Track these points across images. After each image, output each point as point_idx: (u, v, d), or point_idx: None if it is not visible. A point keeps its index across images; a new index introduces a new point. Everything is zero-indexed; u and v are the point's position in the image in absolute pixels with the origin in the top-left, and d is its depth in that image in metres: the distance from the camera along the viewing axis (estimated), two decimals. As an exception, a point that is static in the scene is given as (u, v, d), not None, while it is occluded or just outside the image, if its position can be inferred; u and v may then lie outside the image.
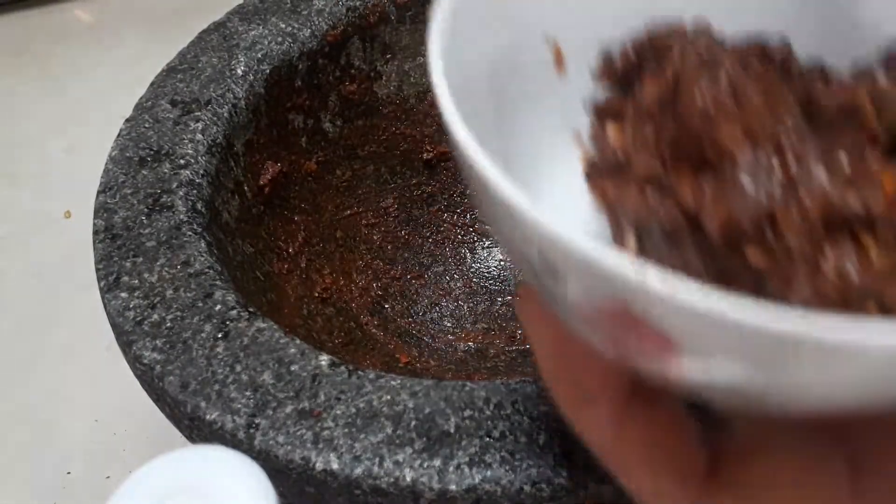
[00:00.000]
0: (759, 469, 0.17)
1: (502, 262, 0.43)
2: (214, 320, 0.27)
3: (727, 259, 0.15)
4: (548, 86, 0.21)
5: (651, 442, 0.17)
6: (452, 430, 0.23)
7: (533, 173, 0.21)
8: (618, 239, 0.16)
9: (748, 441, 0.17)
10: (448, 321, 0.41)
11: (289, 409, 0.24)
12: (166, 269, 0.28)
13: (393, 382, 0.25)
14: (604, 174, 0.17)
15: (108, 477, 0.41)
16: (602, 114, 0.18)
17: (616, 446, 0.17)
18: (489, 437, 0.23)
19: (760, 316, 0.11)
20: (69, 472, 0.41)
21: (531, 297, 0.17)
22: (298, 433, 0.23)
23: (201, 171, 0.32)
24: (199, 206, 0.31)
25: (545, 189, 0.21)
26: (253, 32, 0.37)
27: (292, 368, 0.25)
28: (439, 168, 0.44)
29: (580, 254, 0.12)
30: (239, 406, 0.24)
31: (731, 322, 0.12)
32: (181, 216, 0.30)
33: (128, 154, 0.32)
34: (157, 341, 0.26)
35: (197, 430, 0.25)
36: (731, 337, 0.12)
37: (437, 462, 0.22)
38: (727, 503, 0.16)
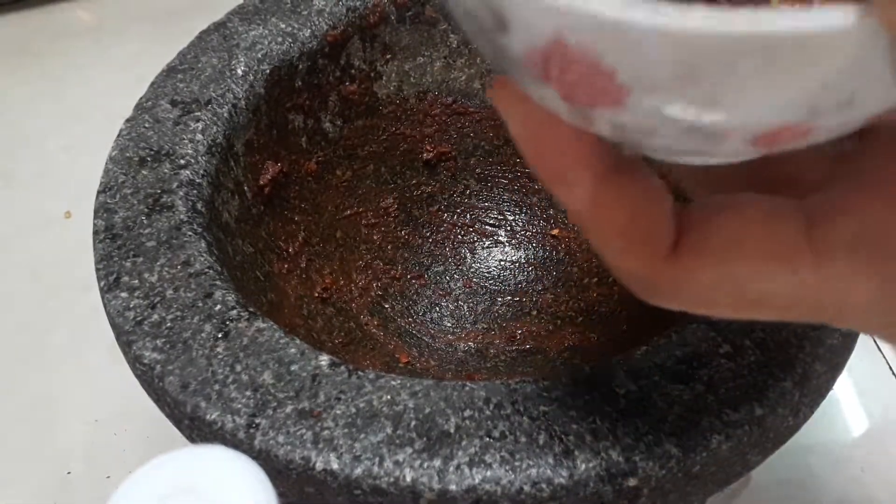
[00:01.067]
0: (722, 228, 0.17)
1: (502, 262, 0.43)
2: (214, 320, 0.27)
3: None
4: None
5: (624, 215, 0.17)
6: (452, 430, 0.23)
7: None
8: None
9: (711, 206, 0.18)
10: (448, 321, 0.41)
11: (289, 409, 0.24)
12: (166, 269, 0.28)
13: (393, 382, 0.25)
14: None
15: (108, 477, 0.41)
16: None
17: (593, 220, 0.18)
18: (489, 437, 0.23)
19: (682, 18, 0.12)
20: (69, 472, 0.41)
21: (503, 81, 0.18)
22: (298, 433, 0.23)
23: (201, 172, 0.32)
24: (199, 206, 0.31)
25: None
26: (253, 32, 0.37)
27: (292, 368, 0.25)
28: (439, 168, 0.44)
29: None
30: (239, 406, 0.24)
31: (649, 28, 0.12)
32: (181, 216, 0.30)
33: (128, 154, 0.32)
34: (157, 341, 0.26)
35: (197, 430, 0.25)
36: (655, 46, 0.12)
37: (437, 462, 0.22)
38: (694, 264, 0.17)
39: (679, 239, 0.17)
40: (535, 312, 0.41)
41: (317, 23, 0.38)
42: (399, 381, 0.25)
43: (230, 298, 0.27)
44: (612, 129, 0.15)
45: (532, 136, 0.17)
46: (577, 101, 0.15)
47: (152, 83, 0.35)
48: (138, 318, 0.27)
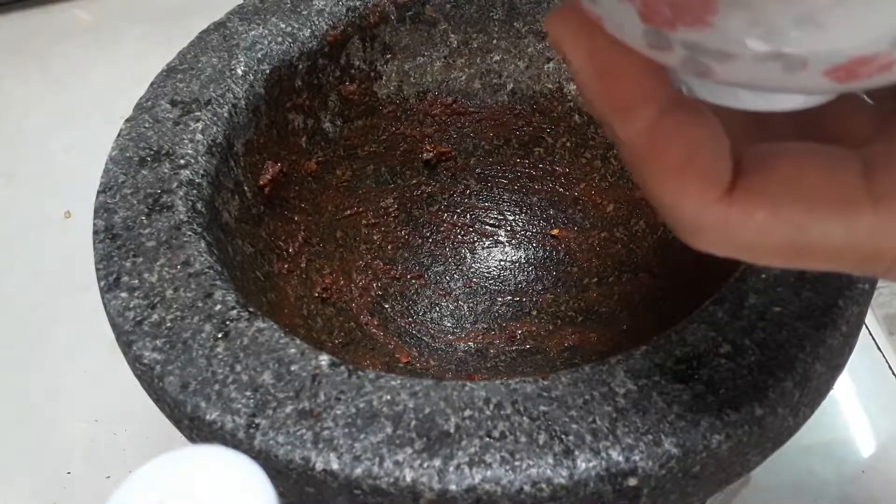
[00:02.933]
0: (779, 171, 0.17)
1: (502, 262, 0.43)
2: (214, 320, 0.27)
3: None
4: None
5: (681, 149, 0.17)
6: (452, 430, 0.23)
7: None
8: None
9: (768, 150, 0.17)
10: (448, 321, 0.41)
11: (289, 409, 0.24)
12: (166, 269, 0.28)
13: (393, 382, 0.25)
14: None
15: (108, 477, 0.41)
16: None
17: (647, 152, 0.17)
18: (489, 437, 0.23)
19: None
20: (69, 472, 0.41)
21: (565, 12, 0.17)
22: (298, 433, 0.23)
23: (201, 171, 0.32)
24: (199, 206, 0.31)
25: None
26: (253, 32, 0.37)
27: (292, 368, 0.25)
28: (439, 168, 0.44)
29: None
30: (239, 406, 0.24)
31: None
32: (181, 216, 0.30)
33: (128, 154, 0.32)
34: (157, 341, 0.26)
35: (197, 430, 0.25)
36: None
37: (437, 462, 0.22)
38: (749, 205, 0.17)
39: (734, 181, 0.17)
40: (535, 312, 0.41)
41: (317, 23, 0.38)
42: (399, 381, 0.25)
43: (230, 298, 0.27)
44: (687, 53, 0.15)
45: (595, 64, 0.17)
46: (657, 19, 0.14)
47: (152, 83, 0.35)
48: (138, 318, 0.27)
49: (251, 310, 0.27)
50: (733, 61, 0.15)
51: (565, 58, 0.18)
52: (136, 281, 0.28)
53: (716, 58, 0.15)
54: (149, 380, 0.26)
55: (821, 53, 0.14)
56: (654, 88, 0.17)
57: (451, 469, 0.22)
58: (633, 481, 0.22)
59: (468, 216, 0.44)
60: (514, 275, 0.43)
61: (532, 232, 0.43)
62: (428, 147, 0.43)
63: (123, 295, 0.27)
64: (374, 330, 0.39)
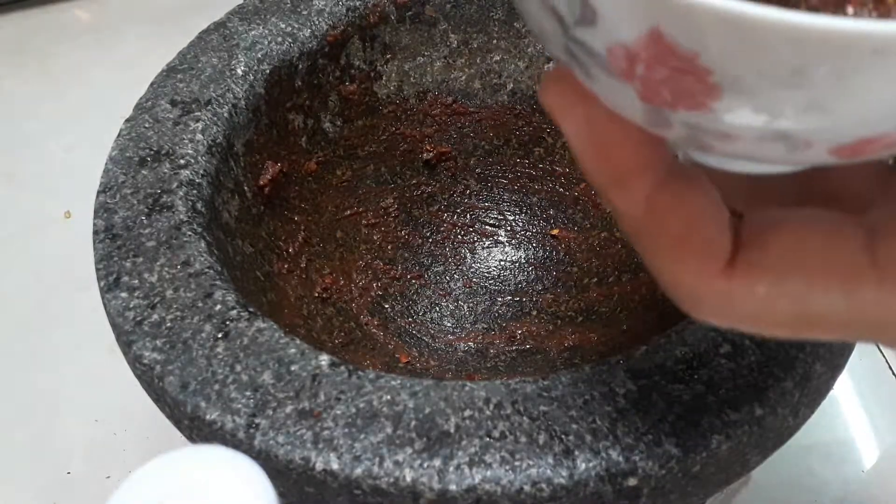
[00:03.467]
0: (780, 242, 0.17)
1: (502, 262, 0.43)
2: (214, 320, 0.27)
3: None
4: None
5: (680, 222, 0.17)
6: (452, 430, 0.23)
7: None
8: None
9: (767, 220, 0.17)
10: (448, 321, 0.41)
11: (289, 409, 0.24)
12: (166, 269, 0.28)
13: (393, 382, 0.25)
14: None
15: (108, 477, 0.41)
16: None
17: (646, 225, 0.17)
18: (489, 437, 0.23)
19: (800, 17, 0.12)
20: (69, 472, 0.41)
21: (560, 80, 0.17)
22: (298, 433, 0.23)
23: (201, 171, 0.32)
24: (199, 206, 0.31)
25: None
26: (253, 32, 0.37)
27: (292, 368, 0.25)
28: (439, 168, 0.44)
29: None
30: (239, 406, 0.24)
31: (772, 24, 0.12)
32: (181, 216, 0.30)
33: (128, 154, 0.32)
34: (157, 341, 0.26)
35: (197, 430, 0.25)
36: (769, 46, 0.12)
37: (437, 462, 0.22)
38: (750, 278, 0.17)
39: (734, 253, 0.17)
40: (535, 312, 0.41)
41: (317, 23, 0.38)
42: (399, 381, 0.25)
43: (230, 298, 0.27)
44: (686, 132, 0.15)
45: (591, 134, 0.17)
46: (657, 100, 0.14)
47: (152, 83, 0.35)
48: (138, 318, 0.27)
49: (251, 310, 0.27)
50: (735, 141, 0.15)
51: (561, 127, 0.17)
52: (136, 281, 0.28)
53: (717, 137, 0.15)
54: (149, 380, 0.26)
55: (826, 135, 0.14)
56: (652, 158, 0.17)
57: (451, 469, 0.22)
58: (633, 481, 0.22)
59: (468, 216, 0.44)
60: (514, 275, 0.43)
61: (532, 232, 0.43)
62: (428, 147, 0.43)
63: (123, 295, 0.27)
64: (375, 330, 0.39)
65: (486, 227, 0.44)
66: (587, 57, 0.15)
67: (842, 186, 0.19)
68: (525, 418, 0.23)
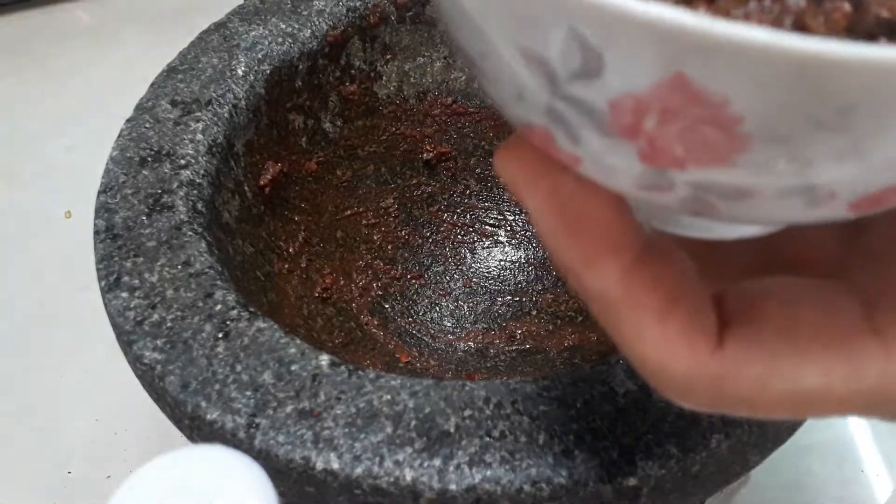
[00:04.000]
0: (771, 317, 0.15)
1: (502, 262, 0.43)
2: (215, 320, 0.27)
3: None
4: None
5: (663, 301, 0.15)
6: (452, 430, 0.23)
7: None
8: None
9: (753, 292, 0.16)
10: (448, 321, 0.41)
11: (289, 408, 0.24)
12: (167, 269, 0.28)
13: (393, 382, 0.25)
14: None
15: (109, 477, 0.41)
16: None
17: (624, 307, 0.15)
18: (489, 436, 0.23)
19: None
20: (69, 472, 0.41)
21: (519, 149, 0.15)
22: (299, 433, 0.23)
23: (202, 172, 0.32)
24: (199, 206, 0.31)
25: None
26: (253, 33, 0.37)
27: (292, 368, 0.25)
28: (439, 168, 0.44)
29: (634, 16, 0.11)
30: (239, 406, 0.24)
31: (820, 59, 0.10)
32: (182, 216, 0.30)
33: (128, 154, 0.32)
34: (158, 341, 0.26)
35: (197, 429, 0.25)
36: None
37: (437, 462, 0.22)
38: (741, 358, 0.15)
39: (723, 330, 0.15)
40: (535, 312, 0.41)
41: (317, 23, 0.38)
42: (399, 381, 0.25)
43: (230, 298, 0.27)
44: (689, 193, 0.13)
45: (559, 211, 0.15)
46: (663, 160, 0.13)
47: (153, 83, 0.35)
48: (139, 318, 0.27)
49: (251, 310, 0.27)
50: (750, 199, 0.13)
51: (523, 203, 0.16)
52: (137, 281, 0.28)
53: (729, 196, 0.13)
54: (149, 379, 0.26)
55: (854, 184, 0.13)
56: (626, 233, 0.15)
57: (451, 469, 0.22)
58: (632, 481, 0.22)
59: (468, 216, 0.44)
60: (514, 275, 0.43)
61: (532, 232, 0.43)
62: (428, 147, 0.43)
63: (124, 295, 0.27)
64: (375, 330, 0.39)
65: (486, 227, 0.44)
66: (578, 116, 0.13)
67: (806, 249, 0.18)
68: (525, 418, 0.23)
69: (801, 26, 0.12)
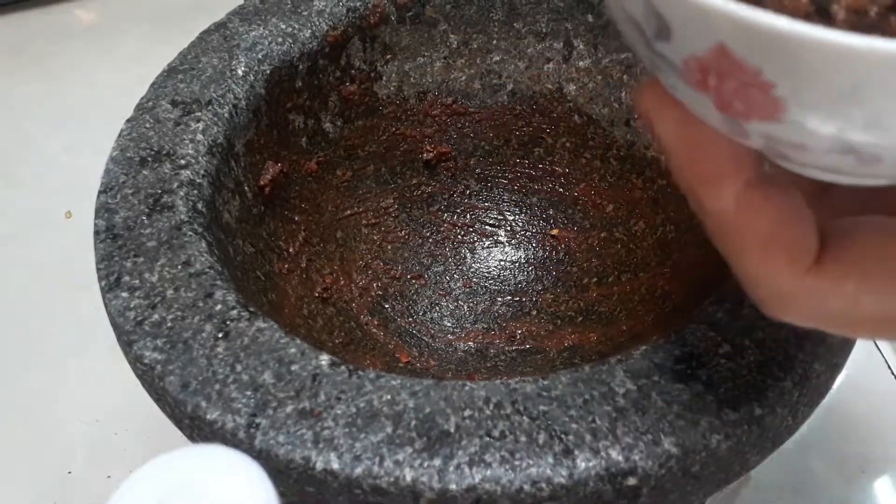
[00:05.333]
0: (866, 244, 0.17)
1: (502, 262, 0.43)
2: (215, 320, 0.27)
3: None
4: None
5: (770, 221, 0.17)
6: (452, 430, 0.23)
7: None
8: None
9: (852, 224, 0.18)
10: (448, 321, 0.41)
11: (289, 408, 0.24)
12: (167, 269, 0.28)
13: (393, 382, 0.25)
14: None
15: (109, 476, 0.41)
16: None
17: (735, 224, 0.17)
18: (489, 436, 0.23)
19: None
20: (70, 472, 0.41)
21: (654, 86, 0.18)
22: (299, 433, 0.23)
23: (202, 172, 0.32)
24: (199, 206, 0.31)
25: None
26: (253, 33, 0.37)
27: (292, 368, 0.25)
28: (439, 168, 0.44)
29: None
30: (239, 406, 0.24)
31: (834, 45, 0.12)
32: (182, 216, 0.30)
33: (128, 154, 0.32)
34: (158, 341, 0.26)
35: (197, 429, 0.25)
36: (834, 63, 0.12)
37: (437, 462, 0.22)
38: (838, 275, 0.17)
39: (821, 252, 0.17)
40: (535, 312, 0.41)
41: (317, 23, 0.38)
42: (399, 381, 0.25)
43: (230, 298, 0.27)
44: (764, 141, 0.15)
45: (682, 136, 0.17)
46: (731, 111, 0.15)
47: (153, 83, 0.35)
48: (139, 318, 0.27)
49: (251, 310, 0.27)
50: (808, 152, 0.15)
51: (653, 130, 0.18)
52: (137, 281, 0.28)
53: (791, 147, 0.15)
54: (149, 379, 0.26)
55: (892, 151, 0.14)
56: (741, 161, 0.17)
57: (451, 469, 0.22)
58: (632, 481, 0.22)
59: (468, 216, 0.44)
60: (514, 275, 0.43)
61: (532, 232, 0.43)
62: (428, 147, 0.43)
63: (124, 295, 0.27)
64: (375, 330, 0.39)
65: (486, 227, 0.44)
66: (667, 67, 0.15)
67: None
68: (525, 418, 0.23)
69: (823, 11, 0.14)
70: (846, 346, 0.27)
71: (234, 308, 0.27)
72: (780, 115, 0.14)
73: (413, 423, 0.23)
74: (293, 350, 0.26)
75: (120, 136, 0.33)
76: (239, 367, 0.25)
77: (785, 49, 0.13)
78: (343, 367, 0.25)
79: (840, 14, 0.14)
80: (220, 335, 0.26)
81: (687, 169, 0.18)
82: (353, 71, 0.40)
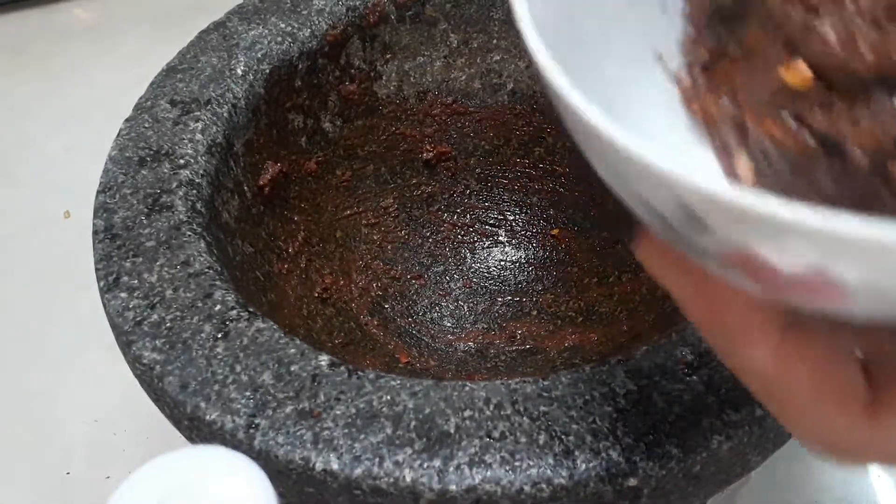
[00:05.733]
0: None
1: (502, 262, 0.43)
2: (214, 320, 0.27)
3: (867, 181, 0.14)
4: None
5: (812, 370, 0.16)
6: (452, 431, 0.23)
7: (617, 92, 0.19)
8: (725, 160, 0.16)
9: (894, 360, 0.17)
10: (448, 321, 0.41)
11: (289, 409, 0.24)
12: (166, 269, 0.28)
13: (393, 382, 0.25)
14: (702, 93, 0.16)
15: (108, 477, 0.41)
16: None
17: (775, 379, 0.16)
18: (489, 437, 0.23)
19: None
20: (69, 472, 0.41)
21: (654, 243, 0.17)
22: (298, 433, 0.23)
23: (201, 171, 0.32)
24: (198, 206, 0.31)
25: (635, 112, 0.19)
26: (253, 32, 0.37)
27: (292, 368, 0.25)
28: (439, 168, 0.44)
29: (738, 205, 0.12)
30: (239, 406, 0.24)
31: None
32: (181, 216, 0.30)
33: (127, 154, 0.32)
34: (157, 341, 0.26)
35: (197, 430, 0.25)
36: None
37: (437, 462, 0.22)
38: (893, 423, 0.16)
39: (872, 389, 0.16)
40: (535, 312, 0.41)
41: (316, 22, 0.38)
42: (399, 382, 0.25)
43: (230, 298, 0.27)
44: (807, 309, 0.14)
45: (701, 294, 0.16)
46: (779, 293, 0.14)
47: (152, 83, 0.35)
48: (138, 319, 0.27)
49: (251, 310, 0.27)
50: (857, 315, 0.14)
51: (661, 284, 0.17)
52: (136, 281, 0.28)
53: (838, 315, 0.14)
54: (148, 380, 0.26)
55: None
56: (770, 311, 0.16)
57: (451, 469, 0.22)
58: (633, 482, 0.22)
59: (468, 216, 0.44)
60: (514, 275, 0.43)
61: (532, 232, 0.43)
62: (428, 147, 0.43)
63: (123, 295, 0.27)
64: (374, 330, 0.39)
65: (486, 227, 0.44)
66: (695, 251, 0.14)
67: None
68: (525, 418, 0.23)
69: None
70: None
71: (233, 308, 0.27)
72: (843, 300, 0.13)
73: (413, 423, 0.23)
74: (293, 350, 0.26)
75: (119, 135, 0.33)
76: (238, 368, 0.25)
77: (867, 253, 0.12)
78: (343, 368, 0.25)
79: (856, 153, 0.14)
80: (220, 335, 0.26)
81: (710, 326, 0.17)
82: (352, 70, 0.40)
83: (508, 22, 0.41)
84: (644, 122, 0.19)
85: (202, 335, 0.26)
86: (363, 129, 0.41)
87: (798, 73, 0.15)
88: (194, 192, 0.31)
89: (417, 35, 0.41)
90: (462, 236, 0.44)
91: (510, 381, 0.25)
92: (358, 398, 0.24)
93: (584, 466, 0.22)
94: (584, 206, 0.42)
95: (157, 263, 0.28)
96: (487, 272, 0.43)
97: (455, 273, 0.43)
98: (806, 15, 0.15)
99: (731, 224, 0.12)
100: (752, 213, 0.12)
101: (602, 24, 0.19)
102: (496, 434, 0.23)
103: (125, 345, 0.27)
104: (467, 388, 0.24)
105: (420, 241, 0.43)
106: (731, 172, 0.17)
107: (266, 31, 0.37)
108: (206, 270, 0.28)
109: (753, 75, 0.17)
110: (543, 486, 0.22)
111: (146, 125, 0.33)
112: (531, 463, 0.22)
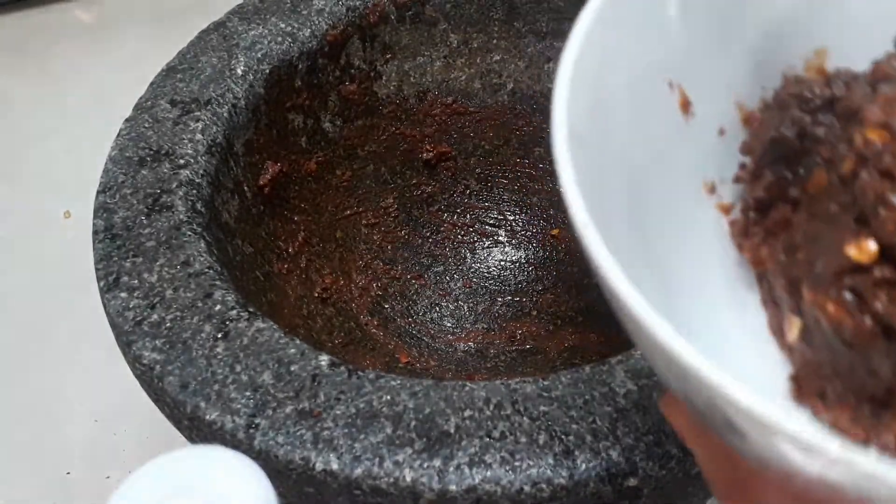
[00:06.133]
0: None
1: (502, 262, 0.43)
2: (214, 320, 0.27)
3: None
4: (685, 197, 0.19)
5: None
6: (452, 431, 0.23)
7: (662, 219, 0.19)
8: (773, 313, 0.16)
9: None
10: (448, 321, 0.41)
11: (289, 409, 0.24)
12: (166, 269, 0.28)
13: (393, 382, 0.25)
14: (754, 237, 0.16)
15: (108, 477, 0.41)
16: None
17: None
18: (489, 437, 0.23)
19: None
20: (69, 473, 0.41)
21: (682, 406, 0.17)
22: (298, 433, 0.23)
23: (201, 171, 0.32)
24: (198, 206, 0.31)
25: (681, 252, 0.19)
26: (253, 32, 0.37)
27: (292, 368, 0.25)
28: (439, 168, 0.44)
29: (780, 427, 0.12)
30: (239, 406, 0.24)
31: None
32: (181, 216, 0.30)
33: (127, 154, 0.32)
34: (157, 341, 0.26)
35: (197, 430, 0.25)
36: None
37: (437, 462, 0.22)
38: None
39: None
40: (535, 312, 0.41)
41: (317, 22, 0.38)
42: (399, 382, 0.25)
43: (230, 298, 0.27)
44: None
45: (730, 470, 0.16)
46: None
47: (152, 83, 0.35)
48: (138, 318, 0.27)
49: (251, 310, 0.27)
50: None
51: (688, 446, 0.17)
52: (136, 281, 0.28)
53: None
54: (148, 380, 0.26)
55: None
56: (794, 498, 0.16)
57: (451, 469, 0.22)
58: (633, 482, 0.22)
59: (468, 216, 0.44)
60: (514, 275, 0.43)
61: (532, 232, 0.43)
62: (428, 147, 0.43)
63: (123, 295, 0.27)
64: (374, 330, 0.39)
65: (486, 227, 0.44)
66: (731, 442, 0.14)
67: None
68: (525, 418, 0.23)
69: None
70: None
71: (233, 308, 0.27)
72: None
73: (413, 423, 0.23)
74: (293, 350, 0.26)
75: (119, 135, 0.33)
76: (238, 368, 0.25)
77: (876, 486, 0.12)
78: (343, 368, 0.25)
79: None
80: (220, 335, 0.26)
81: (736, 499, 0.16)
82: (352, 70, 0.40)
83: (508, 22, 0.41)
84: (686, 258, 0.18)
85: (202, 335, 0.26)
86: (363, 129, 0.41)
87: (865, 250, 0.15)
88: (194, 192, 0.31)
89: (417, 35, 0.41)
90: (462, 236, 0.44)
91: (510, 381, 0.25)
92: (358, 398, 0.24)
93: (584, 466, 0.22)
94: (584, 206, 0.42)
95: (157, 263, 0.28)
96: (487, 272, 0.43)
97: (455, 273, 0.43)
98: (881, 182, 0.15)
99: (772, 443, 0.13)
100: (802, 441, 0.12)
101: (654, 157, 0.18)
102: (496, 434, 0.23)
103: (125, 345, 0.27)
104: (467, 388, 0.24)
105: (420, 241, 0.43)
106: (777, 329, 0.16)
107: (266, 31, 0.37)
108: (206, 270, 0.28)
109: (817, 244, 0.16)
110: (543, 486, 0.22)
111: (146, 125, 0.33)
112: (531, 463, 0.22)
